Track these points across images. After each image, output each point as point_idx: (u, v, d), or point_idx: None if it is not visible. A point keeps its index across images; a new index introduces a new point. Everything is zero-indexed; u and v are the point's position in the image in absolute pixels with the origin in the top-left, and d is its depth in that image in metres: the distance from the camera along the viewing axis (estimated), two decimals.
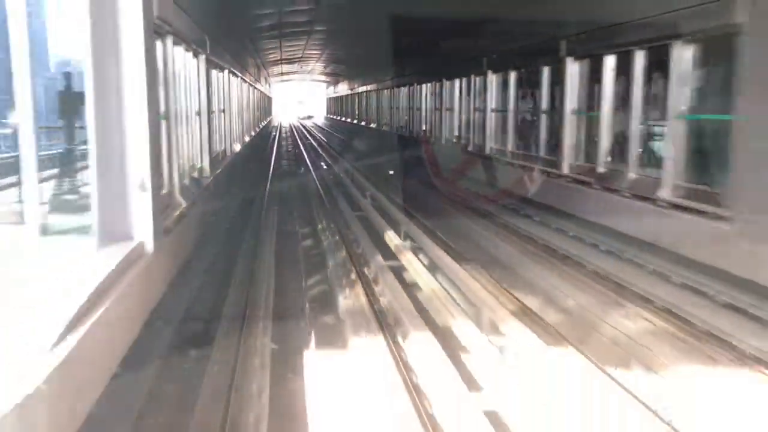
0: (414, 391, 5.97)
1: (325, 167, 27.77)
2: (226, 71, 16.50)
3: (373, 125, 39.38)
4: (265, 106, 47.83)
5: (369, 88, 40.80)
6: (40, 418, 3.24)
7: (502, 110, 17.15)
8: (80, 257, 5.52)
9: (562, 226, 12.31)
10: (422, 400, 5.82)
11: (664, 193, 9.55)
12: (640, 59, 10.44)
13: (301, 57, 40.70)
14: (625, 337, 7.60)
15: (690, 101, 9.34)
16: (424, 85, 25.81)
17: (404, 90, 29.65)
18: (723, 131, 8.63)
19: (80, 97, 6.61)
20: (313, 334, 7.76)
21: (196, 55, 11.13)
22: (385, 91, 34.65)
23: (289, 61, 43.09)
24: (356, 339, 7.34)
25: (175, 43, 8.67)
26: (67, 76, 8.31)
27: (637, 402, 5.72)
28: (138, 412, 5.59)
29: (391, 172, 20.86)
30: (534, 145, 15.16)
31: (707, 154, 9.18)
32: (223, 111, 16.06)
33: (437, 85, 23.69)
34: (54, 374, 3.38)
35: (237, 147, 19.22)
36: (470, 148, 19.34)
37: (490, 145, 17.78)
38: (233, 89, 18.86)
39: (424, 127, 25.67)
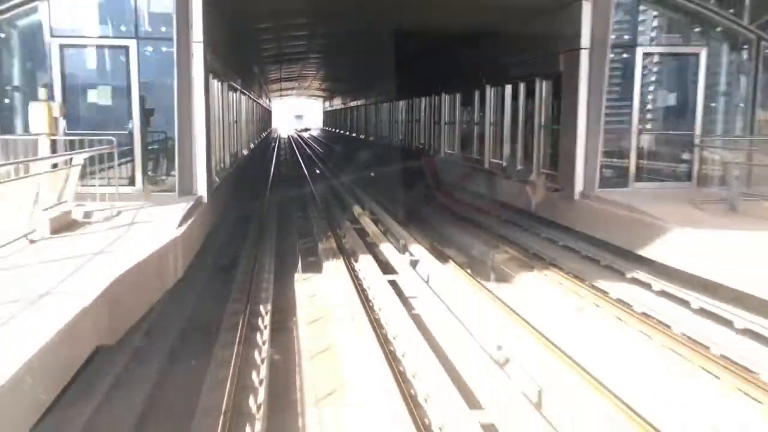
0: (354, 274, 11.07)
1: (316, 170, 33.08)
2: (238, 92, 21.52)
3: (362, 136, 44.46)
4: (266, 119, 52.86)
5: (357, 103, 46.05)
6: (171, 260, 8.20)
7: (451, 122, 22.22)
8: (171, 202, 10.51)
9: (480, 204, 17.36)
10: (359, 279, 10.91)
11: (533, 176, 14.53)
12: (521, 88, 15.50)
13: (299, 76, 45.94)
14: (491, 261, 12.66)
15: (546, 116, 14.36)
16: (399, 102, 30.93)
17: (384, 106, 34.78)
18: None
19: (152, 112, 11.67)
20: (298, 240, 12.90)
21: (221, 82, 16.15)
22: (371, 106, 39.79)
23: (288, 80, 48.28)
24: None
25: (213, 78, 13.69)
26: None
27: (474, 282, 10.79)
28: (212, 263, 10.78)
29: (372, 174, 26.07)
30: (470, 149, 20.18)
31: (554, 151, 14.09)
32: (236, 122, 21.06)
33: (409, 102, 28.82)
34: (178, 238, 8.37)
35: (245, 151, 24.24)
36: (431, 152, 24.42)
37: (444, 149, 22.84)
38: (243, 106, 23.88)
39: (399, 137, 30.72)
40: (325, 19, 18.81)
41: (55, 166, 8.61)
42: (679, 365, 7.76)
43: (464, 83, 19.96)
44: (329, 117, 74.80)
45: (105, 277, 5.80)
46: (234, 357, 7.89)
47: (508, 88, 16.52)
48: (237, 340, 8.46)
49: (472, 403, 6.74)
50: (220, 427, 6.17)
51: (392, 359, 7.96)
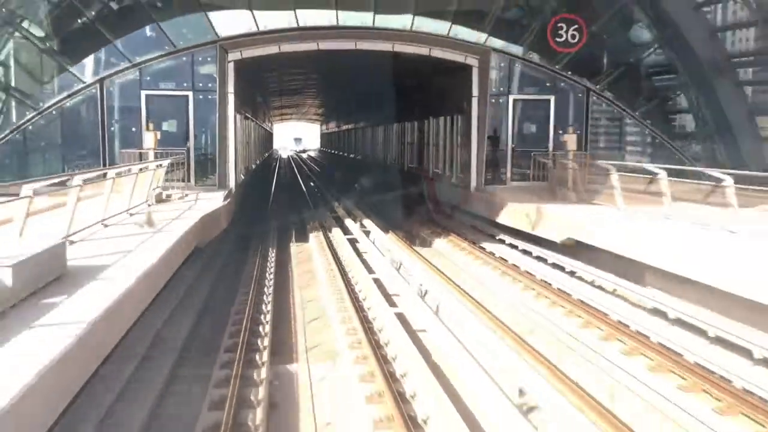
0: (329, 243, 17.98)
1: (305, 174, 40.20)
2: (250, 120, 28.48)
3: (351, 155, 51.50)
4: (268, 140, 60.14)
5: (346, 127, 53.26)
6: (222, 217, 15.02)
7: (411, 143, 29.18)
8: (214, 191, 17.39)
9: (422, 199, 24.24)
10: (334, 247, 17.82)
11: (453, 179, 21.38)
12: (448, 121, 22.44)
13: (297, 104, 53.23)
14: (416, 232, 19.50)
15: (459, 140, 21.24)
16: (374, 128, 38.00)
17: (367, 131, 41.85)
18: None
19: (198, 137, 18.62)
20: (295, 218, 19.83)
21: (239, 113, 23.08)
22: (357, 131, 46.88)
23: (288, 107, 55.56)
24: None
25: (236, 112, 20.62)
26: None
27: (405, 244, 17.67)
28: (240, 231, 17.70)
29: (355, 184, 33.07)
30: (420, 161, 27.06)
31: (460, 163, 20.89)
32: (248, 143, 27.98)
33: (380, 129, 35.89)
34: (223, 207, 15.25)
35: (253, 165, 31.19)
36: (396, 166, 31.36)
37: (407, 163, 29.75)
38: (251, 131, 30.86)
39: (378, 156, 37.69)
40: (317, 69, 25.89)
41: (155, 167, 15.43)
42: (508, 276, 14.45)
43: (419, 115, 26.95)
44: (325, 138, 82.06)
45: (193, 218, 12.55)
46: (258, 255, 14.77)
47: (441, 120, 23.45)
48: (259, 250, 15.34)
49: (382, 289, 13.32)
50: (255, 272, 12.97)
51: (340, 266, 14.77)
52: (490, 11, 18.85)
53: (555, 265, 14.37)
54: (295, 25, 18.68)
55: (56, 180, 9.38)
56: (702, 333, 9.61)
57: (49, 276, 6.69)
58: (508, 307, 12.16)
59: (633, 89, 20.03)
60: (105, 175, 11.08)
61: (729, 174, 12.17)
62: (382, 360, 8.84)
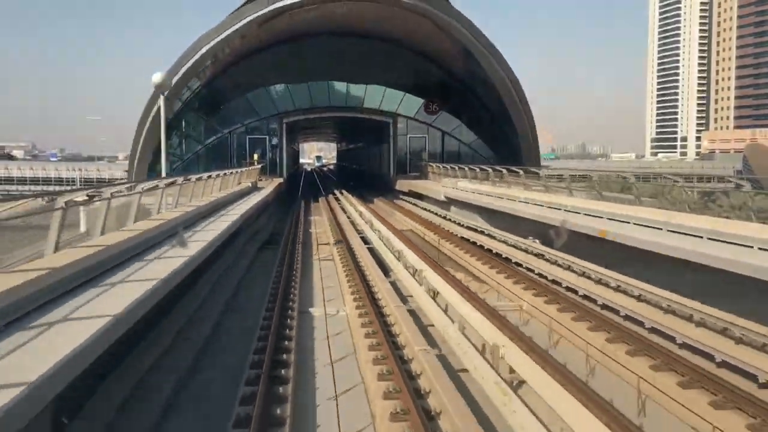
0: (328, 202, 42.07)
1: (324, 179, 64.52)
2: (290, 147, 52.34)
3: (356, 166, 75.45)
4: (296, 156, 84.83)
5: (350, 147, 77.50)
6: (283, 189, 38.79)
7: (369, 158, 52.86)
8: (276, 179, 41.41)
9: (380, 187, 47.99)
10: (330, 204, 41.90)
11: (389, 174, 44.96)
12: (384, 146, 46.08)
13: (319, 127, 77.55)
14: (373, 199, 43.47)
15: (390, 154, 44.80)
16: (358, 149, 61.92)
17: (365, 149, 65.72)
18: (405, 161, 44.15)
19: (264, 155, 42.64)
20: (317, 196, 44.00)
21: (287, 144, 46.90)
22: (358, 150, 70.82)
23: (310, 129, 79.95)
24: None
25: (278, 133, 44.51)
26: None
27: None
28: (289, 191, 41.88)
29: (352, 183, 56.96)
30: (379, 167, 50.63)
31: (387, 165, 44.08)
32: (289, 157, 51.88)
33: (362, 149, 59.77)
34: (283, 183, 39.13)
35: (291, 170, 55.18)
36: (366, 169, 55.15)
37: (371, 168, 53.44)
38: (290, 153, 54.82)
39: (363, 164, 61.40)
40: (323, 121, 49.90)
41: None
42: (397, 207, 37.80)
43: (372, 143, 50.64)
44: (339, 154, 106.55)
45: (267, 192, 36.24)
46: (298, 199, 38.57)
47: (384, 146, 47.05)
48: (298, 198, 39.14)
49: (347, 214, 36.53)
50: (301, 228, 36.70)
51: (332, 210, 38.41)
52: (401, 100, 42.44)
53: (420, 207, 37.70)
54: (310, 105, 42.56)
55: (221, 172, 33.11)
56: (439, 214, 32.95)
57: (219, 208, 30.35)
58: (390, 216, 35.64)
59: (467, 132, 43.46)
60: (239, 172, 34.83)
61: (497, 168, 35.37)
62: (336, 222, 32.32)
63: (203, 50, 34.55)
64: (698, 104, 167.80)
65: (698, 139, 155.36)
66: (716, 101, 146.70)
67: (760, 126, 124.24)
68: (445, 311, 11.98)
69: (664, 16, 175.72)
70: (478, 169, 30.27)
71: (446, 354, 10.34)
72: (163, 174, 25.80)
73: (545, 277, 16.10)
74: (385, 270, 17.28)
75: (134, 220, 12.28)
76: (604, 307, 13.33)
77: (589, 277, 14.95)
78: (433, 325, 11.90)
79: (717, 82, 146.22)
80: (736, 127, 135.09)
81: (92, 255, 8.85)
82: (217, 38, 34.53)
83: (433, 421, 7.74)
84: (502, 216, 22.61)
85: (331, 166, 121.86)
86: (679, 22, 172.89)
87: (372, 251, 20.61)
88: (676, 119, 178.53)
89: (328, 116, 43.93)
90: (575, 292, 14.55)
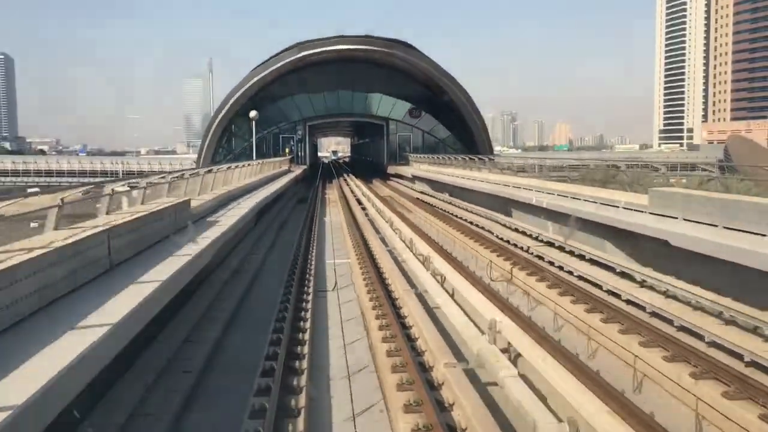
0: (339, 184, 57.90)
1: (338, 168, 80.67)
2: (310, 141, 67.85)
3: (363, 158, 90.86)
4: (315, 150, 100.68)
5: (360, 142, 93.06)
6: (306, 173, 54.40)
7: (372, 150, 68.31)
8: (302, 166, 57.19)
9: (379, 176, 63.54)
10: (341, 185, 57.70)
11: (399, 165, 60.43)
12: (383, 139, 61.54)
13: (334, 128, 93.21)
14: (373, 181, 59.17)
15: (387, 147, 60.19)
16: (367, 144, 77.39)
17: (369, 145, 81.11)
18: (394, 153, 59.59)
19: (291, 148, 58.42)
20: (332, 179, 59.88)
21: (309, 142, 62.43)
22: (365, 144, 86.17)
23: (327, 129, 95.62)
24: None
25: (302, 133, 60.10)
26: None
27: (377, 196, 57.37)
28: (311, 176, 57.92)
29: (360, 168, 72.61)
30: (377, 158, 66.01)
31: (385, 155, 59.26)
32: (311, 149, 67.39)
33: (368, 142, 75.26)
34: (306, 169, 54.83)
35: (313, 160, 70.76)
36: (374, 161, 70.57)
37: (374, 158, 68.89)
38: (312, 147, 70.34)
39: (369, 156, 76.82)
40: (338, 122, 65.46)
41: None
42: (385, 184, 53.19)
43: (373, 138, 66.06)
44: (353, 148, 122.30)
45: (297, 173, 51.81)
46: (317, 181, 54.22)
47: (381, 142, 62.41)
48: (317, 179, 54.80)
49: (352, 191, 51.84)
50: (317, 184, 52.34)
51: (342, 188, 53.95)
52: (393, 106, 57.77)
53: (400, 183, 53.02)
54: (325, 112, 58.14)
55: (269, 160, 48.66)
56: (408, 186, 48.32)
57: (272, 179, 45.92)
58: (378, 189, 51.05)
59: (443, 130, 58.66)
60: (278, 160, 50.43)
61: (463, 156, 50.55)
62: (342, 193, 47.81)
63: (253, 81, 50.77)
64: (703, 96, 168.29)
65: None
66: (714, 94, 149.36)
67: (755, 117, 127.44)
68: (401, 238, 27.45)
69: (671, 9, 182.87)
70: (435, 157, 45.57)
71: (402, 261, 25.92)
72: (254, 157, 41.62)
73: (450, 213, 31.47)
74: (367, 214, 32.76)
75: (229, 186, 27.78)
76: (487, 231, 28.65)
77: (472, 212, 30.29)
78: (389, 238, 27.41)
79: (715, 75, 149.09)
80: (733, 119, 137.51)
81: (215, 198, 24.40)
82: (263, 73, 50.70)
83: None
84: (438, 184, 38.00)
85: (346, 159, 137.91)
86: (685, 11, 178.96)
87: (363, 208, 36.17)
88: (682, 110, 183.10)
89: (340, 120, 59.65)
90: (471, 223, 29.85)
